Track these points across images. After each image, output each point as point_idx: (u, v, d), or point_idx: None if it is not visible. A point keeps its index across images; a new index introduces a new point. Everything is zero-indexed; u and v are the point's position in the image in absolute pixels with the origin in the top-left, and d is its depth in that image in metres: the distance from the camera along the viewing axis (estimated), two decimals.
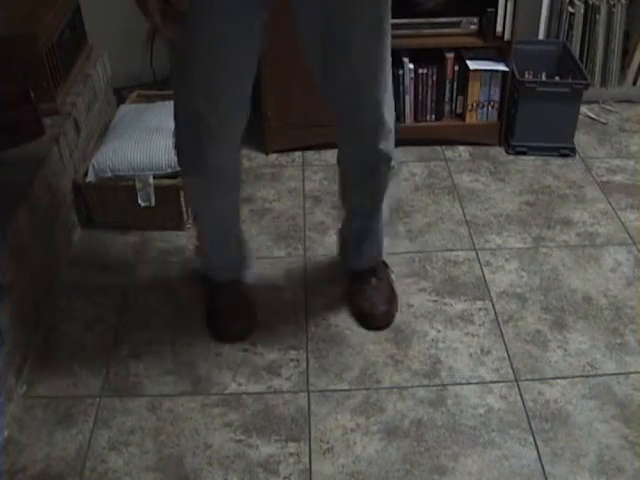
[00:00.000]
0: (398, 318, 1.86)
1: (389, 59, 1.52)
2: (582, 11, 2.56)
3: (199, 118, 1.48)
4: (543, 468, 1.50)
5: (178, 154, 1.62)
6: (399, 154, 1.71)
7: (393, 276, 1.94)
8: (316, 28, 1.42)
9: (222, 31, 1.36)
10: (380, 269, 1.91)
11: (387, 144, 1.61)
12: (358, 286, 1.88)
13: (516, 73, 2.40)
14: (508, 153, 2.51)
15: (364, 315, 1.85)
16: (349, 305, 1.89)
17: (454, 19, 2.34)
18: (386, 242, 1.88)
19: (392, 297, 1.88)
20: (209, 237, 1.83)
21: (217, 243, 1.82)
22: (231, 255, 1.85)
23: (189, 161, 1.60)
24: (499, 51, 2.39)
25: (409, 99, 2.45)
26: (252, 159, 2.51)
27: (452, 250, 2.09)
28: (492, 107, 2.47)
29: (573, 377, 1.70)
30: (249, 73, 1.48)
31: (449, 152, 2.53)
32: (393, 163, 1.67)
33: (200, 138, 1.52)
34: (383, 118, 1.56)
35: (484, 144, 2.54)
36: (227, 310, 1.84)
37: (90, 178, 2.12)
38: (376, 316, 1.84)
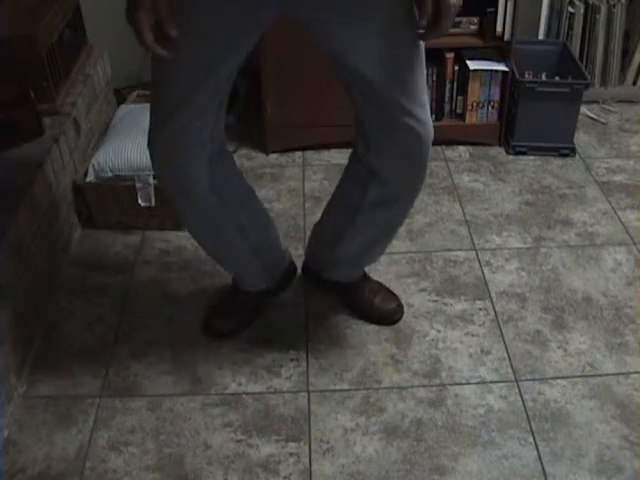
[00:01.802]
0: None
1: (420, 65, 1.39)
2: (582, 11, 2.57)
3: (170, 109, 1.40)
4: (543, 468, 1.50)
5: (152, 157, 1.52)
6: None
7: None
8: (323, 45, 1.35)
9: (203, 54, 1.31)
10: (366, 280, 1.88)
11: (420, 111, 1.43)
12: (353, 294, 1.87)
13: (516, 73, 2.40)
14: (508, 153, 2.51)
15: (377, 311, 1.85)
16: (355, 311, 1.87)
17: (454, 19, 2.33)
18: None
19: (394, 296, 1.90)
20: (210, 247, 1.70)
21: (220, 252, 1.72)
22: (244, 262, 1.73)
23: (166, 159, 1.48)
24: (499, 51, 2.39)
25: None
26: (252, 159, 2.51)
27: (452, 250, 2.09)
28: (492, 107, 2.47)
29: (573, 377, 1.70)
30: (228, 84, 1.42)
31: (449, 152, 2.53)
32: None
33: (172, 117, 1.40)
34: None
35: (484, 144, 2.54)
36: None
37: (90, 178, 2.12)
38: (389, 311, 1.85)
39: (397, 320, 1.85)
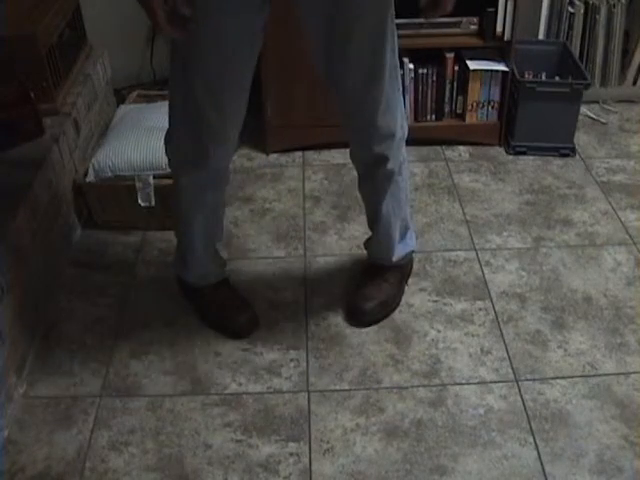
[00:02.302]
0: (398, 318, 1.86)
1: (394, 63, 1.52)
2: (582, 11, 2.57)
3: (200, 116, 1.49)
4: (543, 468, 1.50)
5: (172, 154, 1.63)
6: (405, 163, 1.75)
7: (407, 287, 1.94)
8: (319, 28, 1.43)
9: (225, 29, 1.37)
10: (390, 272, 1.88)
11: (383, 148, 1.63)
12: (363, 280, 1.90)
13: (516, 73, 2.40)
14: (508, 153, 2.51)
15: (351, 307, 1.86)
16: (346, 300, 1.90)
17: (454, 19, 2.34)
18: (401, 248, 1.86)
19: (389, 300, 1.87)
20: (197, 242, 1.77)
21: (205, 247, 1.78)
22: (217, 257, 1.84)
23: (187, 160, 1.60)
24: (499, 51, 2.39)
25: (409, 99, 2.45)
26: (252, 159, 2.51)
27: (452, 250, 2.09)
28: (492, 107, 2.47)
29: (573, 377, 1.70)
30: (249, 71, 1.49)
31: (449, 152, 2.53)
32: (392, 167, 1.68)
33: (200, 137, 1.53)
34: (376, 122, 1.57)
35: (484, 144, 2.54)
36: (228, 305, 1.84)
37: (90, 178, 2.12)
38: (363, 311, 1.83)
39: (363, 323, 1.85)
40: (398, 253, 1.86)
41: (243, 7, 1.36)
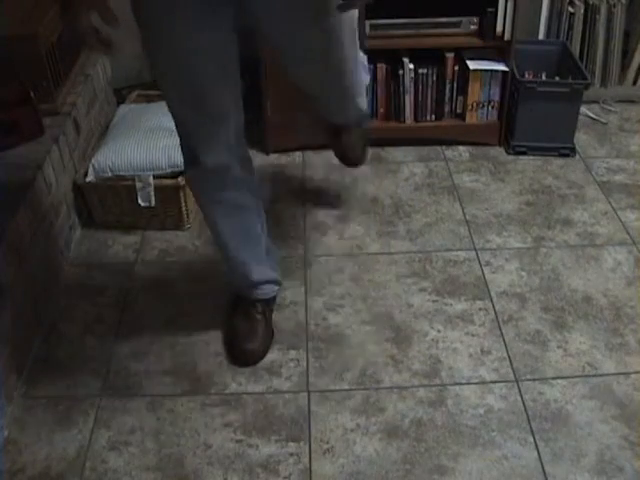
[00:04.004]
0: (398, 318, 1.87)
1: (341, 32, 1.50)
2: (582, 11, 2.57)
3: (187, 124, 1.51)
4: (543, 468, 1.50)
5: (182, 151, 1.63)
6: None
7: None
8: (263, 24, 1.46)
9: (188, 44, 1.37)
10: (354, 128, 2.03)
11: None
12: (336, 135, 2.03)
13: (516, 73, 2.40)
14: (508, 153, 2.51)
15: (343, 153, 2.07)
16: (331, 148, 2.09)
17: (454, 19, 2.34)
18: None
19: (362, 145, 2.10)
20: (232, 248, 1.72)
21: (242, 255, 1.74)
22: (263, 267, 1.78)
23: (187, 158, 1.59)
24: (499, 51, 2.39)
25: (409, 99, 2.45)
26: (252, 159, 2.50)
27: (452, 250, 2.09)
28: (492, 107, 2.47)
29: (573, 377, 1.70)
30: (230, 79, 1.48)
31: (449, 152, 2.53)
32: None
33: (185, 136, 1.54)
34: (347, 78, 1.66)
35: (484, 144, 2.54)
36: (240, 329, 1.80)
37: (90, 178, 2.12)
38: (349, 159, 2.09)
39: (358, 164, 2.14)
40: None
41: (205, 19, 1.35)
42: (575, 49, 2.61)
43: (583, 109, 2.59)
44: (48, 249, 1.93)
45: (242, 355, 1.75)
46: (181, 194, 2.11)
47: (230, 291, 1.88)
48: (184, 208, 2.14)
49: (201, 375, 1.73)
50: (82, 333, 1.85)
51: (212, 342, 1.81)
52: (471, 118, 2.50)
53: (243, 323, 1.78)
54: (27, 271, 1.77)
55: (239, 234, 1.70)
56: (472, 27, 2.36)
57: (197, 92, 1.44)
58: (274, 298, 1.86)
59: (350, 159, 2.11)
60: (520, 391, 1.67)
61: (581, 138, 2.57)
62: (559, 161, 2.47)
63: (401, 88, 2.41)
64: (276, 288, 1.85)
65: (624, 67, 2.69)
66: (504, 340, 1.80)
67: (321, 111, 1.92)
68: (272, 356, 1.77)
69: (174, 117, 1.52)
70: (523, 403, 1.64)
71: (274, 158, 2.51)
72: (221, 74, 1.45)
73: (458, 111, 2.50)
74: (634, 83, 2.72)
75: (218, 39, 1.40)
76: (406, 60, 2.38)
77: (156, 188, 2.10)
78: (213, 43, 1.39)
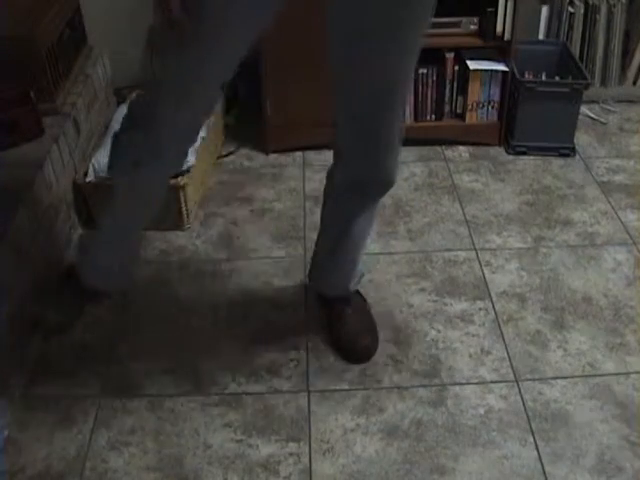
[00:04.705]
0: (398, 318, 1.87)
1: (412, 76, 1.45)
2: (582, 11, 2.57)
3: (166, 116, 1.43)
4: (543, 468, 1.50)
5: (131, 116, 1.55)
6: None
7: (370, 308, 1.86)
8: (347, 29, 1.33)
9: (231, 16, 1.29)
10: (354, 299, 1.82)
11: (394, 164, 1.53)
12: (334, 316, 1.80)
13: (516, 73, 2.40)
14: (508, 153, 2.51)
15: (344, 350, 1.76)
16: (328, 333, 1.81)
17: (454, 19, 2.34)
18: (363, 276, 1.83)
19: (371, 328, 1.80)
20: (116, 227, 1.68)
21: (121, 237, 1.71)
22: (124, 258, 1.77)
23: (142, 117, 1.49)
24: (499, 51, 2.39)
25: (409, 99, 2.45)
26: (252, 159, 2.51)
27: (452, 250, 2.09)
28: (492, 107, 2.47)
29: (573, 377, 1.70)
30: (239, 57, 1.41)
31: (449, 152, 2.53)
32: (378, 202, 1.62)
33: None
34: (395, 134, 1.47)
35: (484, 144, 2.54)
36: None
37: (90, 178, 2.12)
38: (357, 352, 1.75)
39: (362, 362, 1.75)
40: (355, 278, 1.79)
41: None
42: (575, 49, 2.61)
43: (583, 109, 2.59)
44: (48, 249, 1.93)
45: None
46: (181, 194, 2.11)
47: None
48: (184, 208, 2.14)
49: (201, 375, 1.73)
50: (82, 333, 1.85)
51: (212, 342, 1.81)
52: (471, 118, 2.50)
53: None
54: (27, 271, 1.77)
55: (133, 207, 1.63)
56: (472, 27, 2.36)
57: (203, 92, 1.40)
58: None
59: (359, 350, 1.75)
60: (520, 391, 1.67)
61: (581, 138, 2.57)
62: (559, 161, 2.47)
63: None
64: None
65: (624, 67, 2.69)
66: (504, 340, 1.80)
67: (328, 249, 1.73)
68: (272, 356, 1.77)
69: (170, 75, 1.41)
70: (523, 403, 1.64)
71: (274, 158, 2.51)
72: (230, 72, 1.41)
73: (458, 111, 2.50)
74: (634, 83, 2.72)
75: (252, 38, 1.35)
76: None
77: None
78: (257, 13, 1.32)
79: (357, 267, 1.77)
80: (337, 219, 1.67)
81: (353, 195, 1.59)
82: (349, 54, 1.35)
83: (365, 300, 1.86)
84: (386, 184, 1.56)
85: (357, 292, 1.85)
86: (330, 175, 1.64)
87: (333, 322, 1.80)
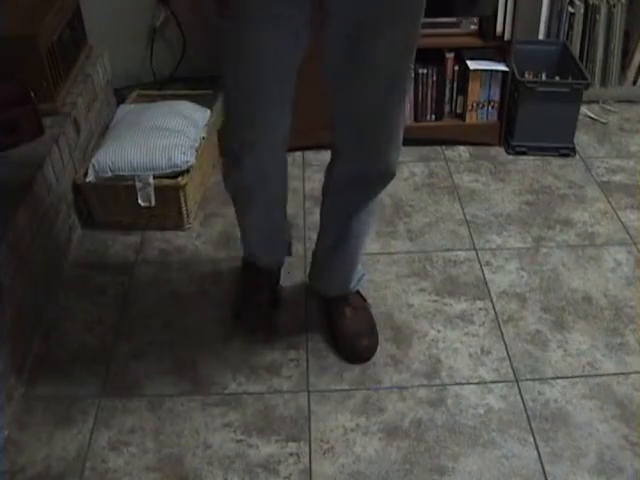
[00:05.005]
0: (398, 318, 1.87)
1: (411, 67, 1.44)
2: (582, 11, 2.57)
3: (240, 114, 1.48)
4: (543, 468, 1.50)
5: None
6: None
7: (370, 307, 1.86)
8: (346, 23, 1.33)
9: (263, 39, 1.32)
10: (354, 298, 1.81)
11: (395, 156, 1.53)
12: (334, 316, 1.80)
13: (516, 73, 2.40)
14: (508, 153, 2.51)
15: (344, 350, 1.76)
16: (328, 333, 1.81)
17: (454, 19, 2.34)
18: (364, 276, 1.83)
19: (371, 328, 1.79)
20: (255, 232, 1.78)
21: (263, 235, 1.79)
22: (277, 246, 1.85)
23: (230, 160, 1.59)
24: (499, 51, 2.39)
25: (409, 99, 2.45)
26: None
27: (452, 250, 2.09)
28: (492, 107, 2.47)
29: (573, 377, 1.70)
30: (290, 80, 1.46)
31: (449, 152, 2.53)
32: (377, 196, 1.61)
33: (237, 132, 1.51)
34: (395, 127, 1.48)
35: (484, 144, 2.54)
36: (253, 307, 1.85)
37: (90, 178, 2.12)
38: (357, 352, 1.74)
39: (361, 362, 1.74)
40: (356, 278, 1.80)
41: (280, 17, 1.29)
42: (575, 49, 2.61)
43: (583, 109, 2.59)
44: (48, 249, 1.93)
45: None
46: (181, 194, 2.11)
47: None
48: (184, 208, 2.14)
49: (201, 375, 1.73)
50: (82, 333, 1.85)
51: (212, 342, 1.81)
52: (471, 118, 2.50)
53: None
54: (27, 271, 1.77)
55: (262, 222, 1.73)
56: (472, 27, 2.36)
57: (260, 92, 1.42)
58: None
59: (359, 350, 1.75)
60: (520, 391, 1.67)
61: (581, 138, 2.57)
62: (559, 161, 2.47)
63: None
64: (283, 258, 1.89)
65: (624, 67, 2.69)
66: (504, 340, 1.80)
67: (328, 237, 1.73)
68: (272, 356, 1.77)
69: (235, 104, 1.48)
70: (523, 403, 1.64)
71: None
72: (286, 74, 1.43)
73: (458, 111, 2.50)
74: (634, 83, 2.72)
75: (291, 38, 1.35)
76: None
77: (156, 188, 2.10)
78: (289, 42, 1.35)
79: (357, 266, 1.77)
80: (338, 216, 1.67)
81: (354, 191, 1.59)
82: (348, 49, 1.34)
83: (365, 300, 1.86)
84: (387, 176, 1.56)
85: (357, 292, 1.84)
86: (329, 173, 1.64)
87: (333, 322, 1.80)
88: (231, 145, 1.55)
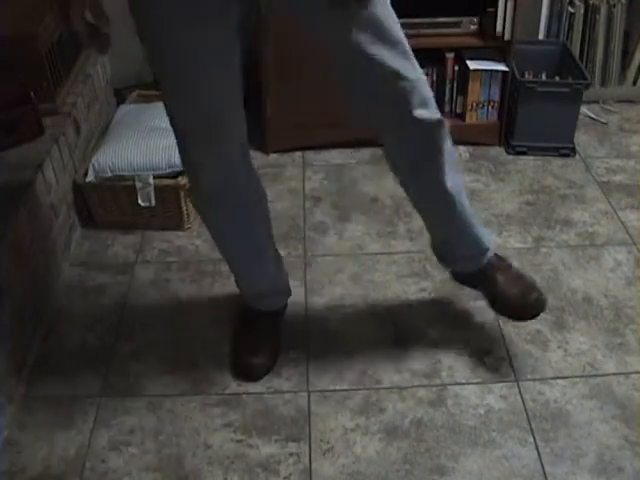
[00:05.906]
0: (398, 318, 1.86)
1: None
2: (582, 11, 2.56)
3: (187, 132, 1.46)
4: (543, 468, 1.50)
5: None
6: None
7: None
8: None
9: (189, 43, 1.31)
10: (498, 262, 1.72)
11: (427, 101, 1.48)
12: (487, 287, 1.72)
13: (516, 73, 2.40)
14: (508, 153, 2.51)
15: (517, 309, 1.68)
16: (490, 306, 1.73)
17: (454, 19, 2.34)
18: (487, 233, 1.73)
19: (532, 282, 1.72)
20: (238, 261, 1.70)
21: (249, 266, 1.70)
22: (270, 277, 1.74)
23: (190, 179, 1.56)
24: (499, 51, 2.39)
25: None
26: (252, 159, 2.50)
27: None
28: (492, 107, 2.47)
29: (573, 377, 1.70)
30: (234, 81, 1.42)
31: None
32: (427, 118, 1.51)
33: (190, 148, 1.48)
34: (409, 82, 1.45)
35: (484, 144, 2.54)
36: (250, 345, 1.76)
37: (90, 178, 2.12)
38: (530, 306, 1.67)
39: (538, 314, 1.68)
40: (485, 239, 1.69)
41: (203, 21, 1.28)
42: (575, 49, 2.61)
43: (583, 109, 2.59)
44: (48, 249, 1.93)
45: (246, 369, 1.72)
46: (181, 194, 2.11)
47: (240, 302, 1.84)
48: (184, 208, 2.14)
49: (201, 375, 1.73)
50: (82, 333, 1.85)
51: (212, 342, 1.81)
52: (471, 118, 2.50)
53: (250, 336, 1.76)
54: (27, 271, 1.77)
55: (245, 246, 1.65)
56: (472, 27, 2.36)
57: (198, 96, 1.39)
58: (283, 309, 1.83)
59: (531, 304, 1.68)
60: (520, 391, 1.67)
61: (581, 138, 2.57)
62: (559, 161, 2.47)
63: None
64: (284, 300, 1.82)
65: (624, 67, 2.69)
66: (504, 340, 1.80)
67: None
68: None
69: (174, 125, 1.46)
70: (523, 403, 1.64)
71: (274, 158, 2.51)
72: (224, 75, 1.40)
73: (458, 111, 2.50)
74: (634, 83, 2.72)
75: (221, 38, 1.34)
76: None
77: (156, 188, 2.10)
78: (216, 42, 1.33)
79: (477, 226, 1.68)
80: (426, 190, 1.59)
81: (418, 158, 1.51)
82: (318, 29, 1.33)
83: (506, 260, 1.76)
84: (433, 121, 1.49)
85: (495, 255, 1.73)
86: (388, 158, 1.56)
87: (491, 291, 1.71)
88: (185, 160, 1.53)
